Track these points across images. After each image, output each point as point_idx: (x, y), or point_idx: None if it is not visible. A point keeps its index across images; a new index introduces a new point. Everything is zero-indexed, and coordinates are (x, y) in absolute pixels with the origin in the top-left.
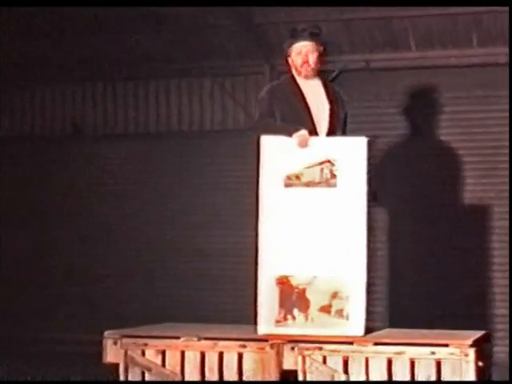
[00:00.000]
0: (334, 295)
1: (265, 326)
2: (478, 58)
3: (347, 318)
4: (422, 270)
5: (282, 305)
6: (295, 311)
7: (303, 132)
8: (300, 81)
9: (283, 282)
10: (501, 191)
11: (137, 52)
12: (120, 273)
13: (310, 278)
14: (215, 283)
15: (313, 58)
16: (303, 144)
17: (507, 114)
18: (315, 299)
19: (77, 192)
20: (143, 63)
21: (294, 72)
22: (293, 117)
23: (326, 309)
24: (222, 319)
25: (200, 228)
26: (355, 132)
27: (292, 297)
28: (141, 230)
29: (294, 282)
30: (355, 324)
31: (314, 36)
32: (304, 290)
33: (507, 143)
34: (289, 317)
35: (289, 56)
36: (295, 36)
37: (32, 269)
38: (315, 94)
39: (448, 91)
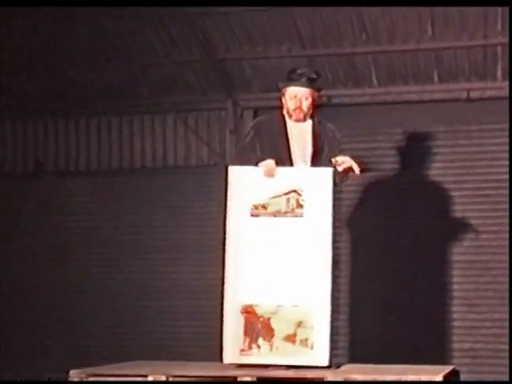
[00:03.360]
0: (299, 324)
1: (230, 356)
2: (439, 93)
3: (312, 348)
4: (381, 305)
5: (246, 334)
6: (260, 340)
7: (269, 161)
8: (289, 121)
9: (248, 311)
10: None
11: (99, 87)
12: (85, 310)
13: (274, 307)
14: (181, 320)
15: (306, 104)
16: (269, 173)
17: (470, 149)
18: (280, 328)
19: (40, 228)
20: (105, 99)
21: (284, 112)
22: (272, 154)
23: (290, 338)
24: (189, 356)
25: (163, 264)
26: None
27: (257, 326)
28: (104, 266)
29: (259, 311)
30: (320, 353)
31: (311, 82)
32: (269, 319)
33: (473, 177)
34: (253, 346)
35: (282, 95)
36: (291, 79)
37: None
38: (301, 136)
39: (410, 127)
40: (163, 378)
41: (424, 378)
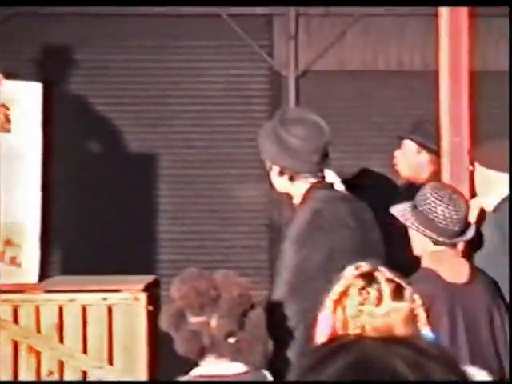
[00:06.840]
0: (8, 242)
1: None
2: None
3: (20, 266)
4: (92, 219)
5: None
6: None
7: None
8: None
9: None
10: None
11: None
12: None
13: None
14: None
15: None
16: None
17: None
18: None
19: None
20: None
21: None
22: None
23: None
24: None
25: None
26: None
27: None
28: None
29: None
30: (29, 271)
31: None
32: None
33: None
34: None
35: None
36: None
37: None
38: None
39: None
40: None
41: (125, 287)
